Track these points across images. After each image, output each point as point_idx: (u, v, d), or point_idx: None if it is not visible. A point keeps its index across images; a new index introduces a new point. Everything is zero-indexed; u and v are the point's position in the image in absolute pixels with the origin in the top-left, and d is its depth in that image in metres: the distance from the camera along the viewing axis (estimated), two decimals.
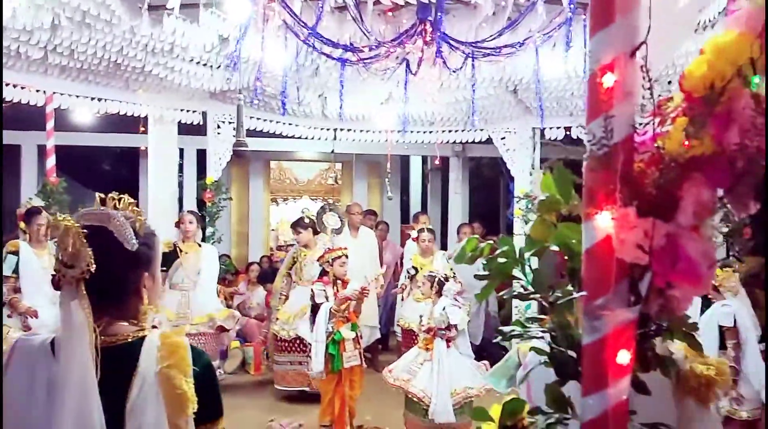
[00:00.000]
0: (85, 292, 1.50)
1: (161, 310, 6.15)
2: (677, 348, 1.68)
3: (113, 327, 1.61)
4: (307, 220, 6.78)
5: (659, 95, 1.15)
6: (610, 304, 1.16)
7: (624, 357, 1.16)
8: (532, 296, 1.21)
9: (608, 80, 1.16)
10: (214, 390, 1.67)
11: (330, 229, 6.56)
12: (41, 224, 5.30)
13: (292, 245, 8.46)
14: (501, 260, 1.22)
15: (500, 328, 1.23)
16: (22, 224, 5.36)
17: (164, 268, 6.28)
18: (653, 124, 1.19)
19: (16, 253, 5.15)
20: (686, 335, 1.23)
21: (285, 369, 6.48)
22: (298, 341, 6.40)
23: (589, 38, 1.18)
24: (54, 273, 1.52)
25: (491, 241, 1.27)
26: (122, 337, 1.60)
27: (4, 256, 5.15)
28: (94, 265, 1.49)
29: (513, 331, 1.24)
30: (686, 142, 1.12)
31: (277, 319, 6.57)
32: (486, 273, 1.23)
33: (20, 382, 1.52)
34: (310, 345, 6.12)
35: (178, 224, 6.36)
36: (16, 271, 5.11)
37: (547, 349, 1.23)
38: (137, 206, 1.74)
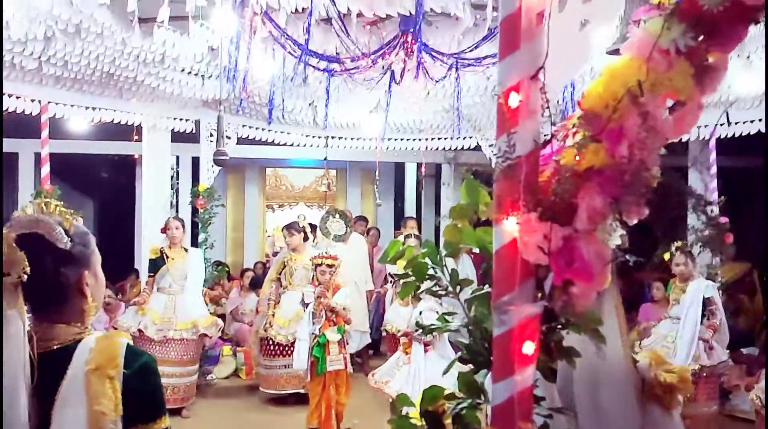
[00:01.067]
0: (22, 300, 1.49)
1: (147, 312, 6.26)
2: (642, 356, 1.80)
3: (53, 331, 1.58)
4: (299, 225, 6.90)
5: (559, 112, 1.29)
6: (516, 299, 1.30)
7: (528, 347, 1.30)
8: (448, 293, 1.35)
9: (513, 101, 1.30)
10: (150, 391, 1.63)
11: (332, 235, 6.61)
12: None
13: None
14: (421, 261, 1.35)
15: (420, 322, 1.36)
16: None
17: (152, 274, 6.41)
18: (557, 140, 1.33)
19: None
20: (591, 330, 1.37)
21: (278, 373, 6.52)
22: (294, 345, 6.47)
23: (498, 62, 1.32)
24: None
25: (414, 244, 1.40)
26: (60, 341, 1.58)
27: None
28: (29, 269, 1.47)
29: (432, 325, 1.38)
30: (577, 156, 1.26)
31: (271, 324, 6.62)
32: (406, 272, 1.37)
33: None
34: None
35: (164, 230, 6.46)
36: None
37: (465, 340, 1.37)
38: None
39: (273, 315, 6.65)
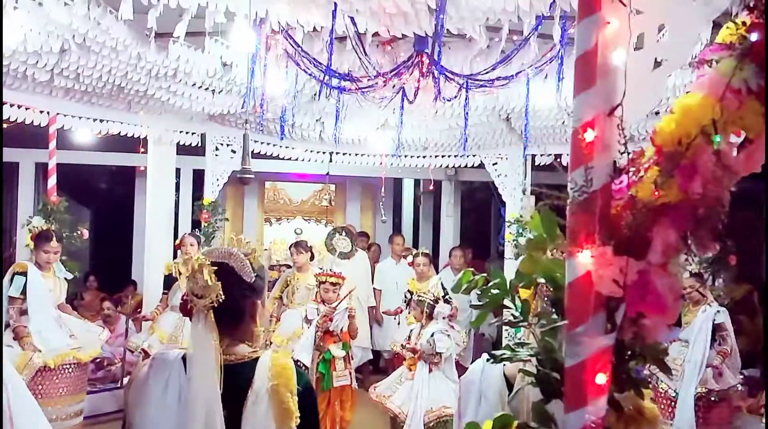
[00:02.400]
0: (213, 319, 1.77)
1: (156, 330, 6.22)
2: None
3: (234, 348, 1.87)
4: (307, 244, 6.89)
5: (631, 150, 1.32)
6: (589, 331, 1.32)
7: (601, 378, 1.32)
8: (521, 324, 1.37)
9: (589, 135, 1.33)
10: (314, 407, 1.95)
11: (338, 252, 6.64)
12: (48, 251, 5.28)
13: (285, 265, 8.57)
14: (494, 291, 1.37)
15: (492, 351, 1.38)
16: (32, 244, 5.34)
17: (165, 291, 6.36)
18: (628, 174, 1.35)
19: (24, 274, 5.10)
20: (656, 360, 1.39)
21: None
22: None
23: (573, 98, 1.35)
24: (185, 301, 1.81)
25: (485, 274, 1.43)
26: (240, 357, 1.86)
27: (11, 276, 5.11)
28: (223, 297, 1.76)
29: (503, 354, 1.40)
30: (655, 191, 1.29)
31: (271, 342, 6.59)
32: (480, 303, 1.39)
33: (157, 389, 1.79)
34: (305, 366, 6.24)
35: (179, 246, 6.42)
36: (23, 292, 5.05)
37: (534, 370, 1.39)
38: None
39: (273, 331, 6.62)
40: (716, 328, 5.62)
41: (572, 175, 1.34)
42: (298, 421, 1.80)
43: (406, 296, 7.01)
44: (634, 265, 1.30)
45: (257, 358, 1.87)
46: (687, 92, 1.37)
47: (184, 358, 1.84)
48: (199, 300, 1.77)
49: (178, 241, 6.44)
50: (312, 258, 6.77)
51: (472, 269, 1.43)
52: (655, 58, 1.36)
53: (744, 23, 1.35)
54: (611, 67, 1.34)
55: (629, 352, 1.39)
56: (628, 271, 1.29)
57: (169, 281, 6.33)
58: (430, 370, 5.09)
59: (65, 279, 5.58)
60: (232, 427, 1.76)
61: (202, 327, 1.78)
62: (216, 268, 1.79)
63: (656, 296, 1.30)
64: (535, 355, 1.37)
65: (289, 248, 6.93)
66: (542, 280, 1.40)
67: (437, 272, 10.26)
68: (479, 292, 1.40)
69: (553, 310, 1.37)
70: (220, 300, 1.77)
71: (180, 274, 6.30)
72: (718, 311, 5.75)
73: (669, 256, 1.31)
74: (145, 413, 1.79)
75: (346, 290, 5.61)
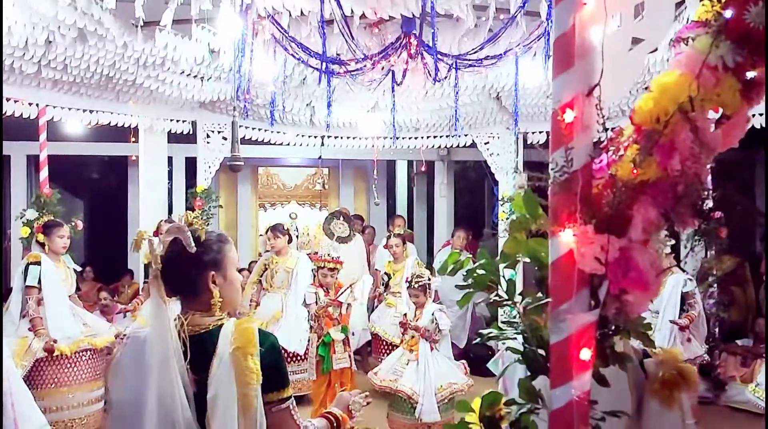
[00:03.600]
0: (162, 287, 1.91)
1: (138, 318, 6.24)
2: (657, 353, 1.84)
3: (198, 319, 1.99)
4: (284, 227, 6.89)
5: (612, 128, 1.34)
6: (573, 308, 1.35)
7: (586, 354, 1.35)
8: (506, 303, 1.40)
9: (568, 116, 1.35)
10: (278, 365, 2.00)
11: (336, 236, 6.67)
12: (63, 235, 5.36)
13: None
14: (480, 272, 1.40)
15: (480, 330, 1.41)
16: (40, 236, 5.37)
17: (146, 280, 6.37)
18: (608, 152, 1.38)
19: (38, 263, 5.16)
20: (640, 334, 1.42)
21: None
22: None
23: (552, 80, 1.37)
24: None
25: (470, 256, 1.45)
26: (204, 327, 1.98)
27: (24, 267, 5.17)
28: (161, 265, 1.91)
29: (490, 333, 1.43)
30: (634, 169, 1.31)
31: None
32: (466, 283, 1.41)
33: (128, 368, 1.93)
34: (284, 350, 6.28)
35: (156, 234, 6.42)
36: (39, 282, 5.10)
37: (521, 348, 1.42)
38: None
39: (252, 315, 6.61)
40: (684, 297, 5.73)
41: (553, 155, 1.36)
42: (260, 379, 1.87)
43: (383, 279, 7.04)
44: (615, 243, 1.32)
45: (221, 326, 1.98)
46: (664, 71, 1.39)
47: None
48: (151, 271, 1.91)
49: (155, 229, 6.42)
50: (290, 241, 6.77)
51: (457, 250, 1.45)
52: (633, 38, 1.38)
53: (719, 0, 1.37)
54: (589, 48, 1.36)
55: (613, 327, 1.42)
56: (609, 248, 1.31)
57: (149, 270, 6.35)
58: (432, 349, 5.16)
59: (74, 270, 5.64)
60: (202, 391, 1.88)
61: (155, 295, 1.90)
62: (168, 242, 1.97)
63: (638, 272, 1.32)
64: (522, 333, 1.39)
65: (266, 232, 6.89)
66: (526, 260, 1.43)
67: (432, 253, 10.32)
68: (465, 273, 1.42)
69: (538, 288, 1.40)
70: (159, 267, 1.91)
71: None
72: (688, 280, 5.84)
73: (649, 233, 1.34)
74: (121, 392, 1.94)
75: (346, 277, 5.67)
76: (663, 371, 1.61)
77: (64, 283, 5.36)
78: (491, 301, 1.41)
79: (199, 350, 1.93)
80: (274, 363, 1.97)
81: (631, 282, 1.33)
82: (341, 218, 6.54)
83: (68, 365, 5.17)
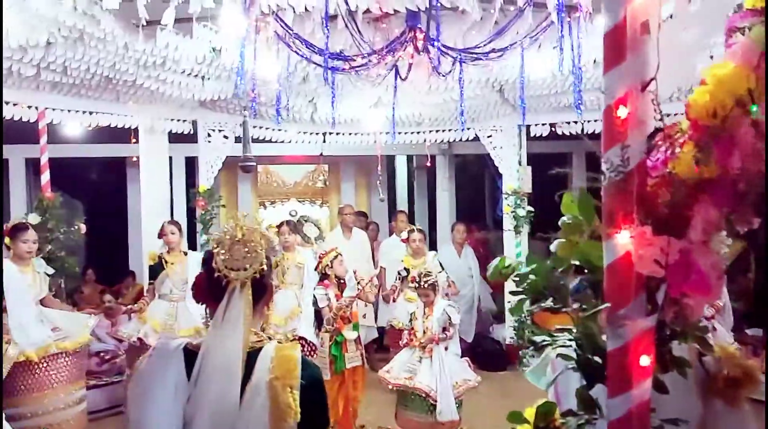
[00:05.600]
0: (251, 295, 1.70)
1: (148, 320, 6.18)
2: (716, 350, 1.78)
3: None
4: (293, 224, 6.87)
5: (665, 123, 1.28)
6: (631, 313, 1.29)
7: (645, 360, 1.30)
8: (561, 309, 1.34)
9: (622, 112, 1.29)
10: (320, 402, 1.80)
11: (312, 238, 6.64)
12: (27, 240, 5.16)
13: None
14: (531, 277, 1.34)
15: (532, 338, 1.35)
16: (6, 240, 5.19)
17: (152, 281, 6.30)
18: (665, 149, 1.31)
19: None
20: (698, 337, 1.36)
21: None
22: (294, 342, 6.45)
23: (603, 75, 1.31)
24: (204, 282, 1.74)
25: (521, 261, 1.39)
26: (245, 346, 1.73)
27: None
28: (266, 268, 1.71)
29: (544, 340, 1.37)
30: (696, 168, 1.25)
31: (267, 324, 6.55)
32: (519, 289, 1.36)
33: (155, 383, 1.69)
34: (307, 343, 6.24)
35: (161, 235, 6.35)
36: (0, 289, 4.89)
37: (574, 355, 1.36)
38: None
39: (269, 312, 6.59)
40: None
41: (607, 154, 1.30)
42: (298, 417, 1.66)
43: (400, 273, 6.99)
44: (675, 245, 1.27)
45: (261, 348, 1.77)
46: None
47: (185, 349, 1.75)
48: (240, 272, 1.68)
49: (159, 231, 6.34)
50: (318, 237, 6.76)
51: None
52: (688, 28, 1.32)
53: None
54: (641, 41, 1.30)
55: (670, 332, 1.37)
56: (669, 250, 1.25)
57: (154, 271, 6.28)
58: (446, 348, 5.17)
59: (46, 273, 5.50)
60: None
61: (237, 305, 1.67)
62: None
63: (700, 275, 1.27)
64: (575, 340, 1.33)
65: (278, 227, 6.83)
66: (577, 263, 1.37)
67: (434, 248, 10.27)
68: (516, 279, 1.37)
69: (592, 293, 1.34)
70: (265, 269, 1.69)
71: (166, 262, 6.23)
72: None
73: (710, 234, 1.28)
74: (145, 407, 1.70)
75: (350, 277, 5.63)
76: (726, 369, 1.55)
77: (31, 288, 5.23)
78: (545, 307, 1.35)
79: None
80: (317, 400, 1.77)
81: (692, 285, 1.27)
82: (305, 222, 6.59)
83: (38, 371, 5.08)
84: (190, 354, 1.74)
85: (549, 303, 1.35)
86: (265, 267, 1.70)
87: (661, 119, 1.29)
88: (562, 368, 1.39)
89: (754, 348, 6.80)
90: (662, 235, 1.26)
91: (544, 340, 1.35)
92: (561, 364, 1.38)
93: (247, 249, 1.69)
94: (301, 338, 6.37)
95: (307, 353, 6.33)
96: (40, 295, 5.36)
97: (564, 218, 1.35)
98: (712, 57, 1.23)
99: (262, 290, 1.78)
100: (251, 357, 1.73)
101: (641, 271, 1.28)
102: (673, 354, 1.34)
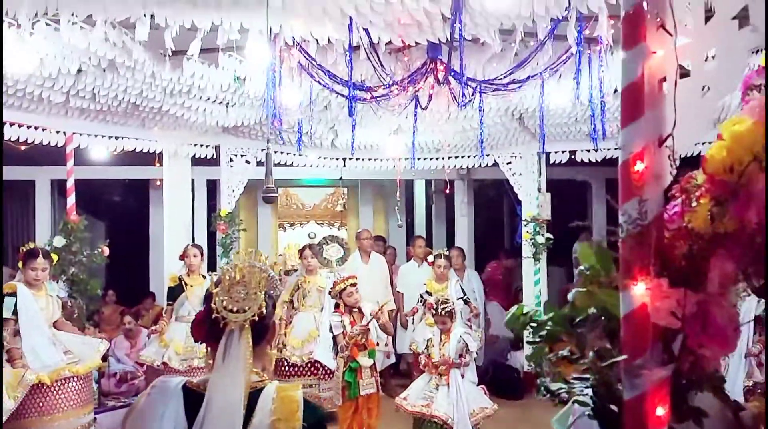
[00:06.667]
0: (250, 338, 1.67)
1: (170, 343, 6.24)
2: (752, 405, 1.78)
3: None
4: (317, 247, 6.91)
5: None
6: (648, 363, 1.31)
7: (661, 411, 1.31)
8: (579, 360, 1.37)
9: (639, 167, 1.32)
10: None
11: (334, 260, 6.66)
12: (35, 268, 5.21)
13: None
14: (549, 325, 1.37)
15: (547, 386, 1.38)
16: (20, 264, 5.29)
17: (170, 302, 6.37)
18: (680, 202, 1.35)
19: (13, 294, 5.07)
20: (715, 388, 1.38)
21: None
22: (310, 365, 6.47)
23: (620, 130, 1.34)
24: (203, 321, 1.73)
25: (538, 309, 1.42)
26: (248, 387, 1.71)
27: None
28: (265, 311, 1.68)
29: (560, 389, 1.39)
30: (711, 222, 1.28)
31: (285, 345, 6.59)
32: (537, 339, 1.39)
33: (154, 415, 1.69)
34: (322, 367, 6.26)
35: (182, 257, 6.44)
36: (15, 313, 5.02)
37: (590, 402, 1.38)
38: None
39: (285, 335, 6.61)
40: (756, 320, 5.58)
41: (624, 207, 1.33)
42: None
43: (422, 296, 7.00)
44: (692, 297, 1.29)
45: (263, 389, 1.74)
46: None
47: (185, 388, 1.75)
48: (239, 315, 1.65)
49: (181, 253, 6.42)
50: (345, 258, 6.80)
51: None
52: (703, 86, 1.35)
53: None
54: (659, 97, 1.33)
55: (686, 381, 1.38)
56: (686, 303, 1.28)
57: (172, 292, 6.35)
58: (463, 376, 5.17)
59: (58, 297, 5.58)
60: None
61: (236, 348, 1.64)
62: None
63: (717, 328, 1.29)
64: (592, 388, 1.36)
65: (301, 251, 6.88)
66: (594, 311, 1.39)
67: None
68: (533, 326, 1.40)
69: (609, 342, 1.37)
70: (264, 312, 1.67)
71: (186, 285, 6.30)
72: (759, 303, 5.70)
73: (726, 287, 1.30)
74: None
75: (369, 298, 5.64)
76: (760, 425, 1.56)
77: (44, 311, 5.29)
78: (563, 357, 1.38)
79: None
80: None
81: (709, 337, 1.29)
82: (329, 242, 6.58)
83: (50, 394, 5.13)
84: (189, 393, 1.74)
85: (566, 352, 1.37)
86: (264, 309, 1.69)
87: (677, 174, 1.33)
88: (580, 413, 1.41)
89: None
90: (679, 287, 1.29)
91: (560, 389, 1.38)
92: (579, 410, 1.40)
93: (246, 291, 1.67)
94: (316, 361, 6.40)
95: (321, 377, 6.36)
96: (52, 318, 5.44)
97: (581, 267, 1.38)
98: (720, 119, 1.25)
99: (263, 331, 1.77)
100: (253, 397, 1.70)
101: (658, 322, 1.30)
102: (689, 404, 1.36)
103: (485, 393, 5.35)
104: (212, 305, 1.71)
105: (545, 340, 1.38)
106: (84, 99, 5.59)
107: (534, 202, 8.05)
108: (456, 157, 8.47)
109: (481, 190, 11.98)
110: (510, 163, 8.18)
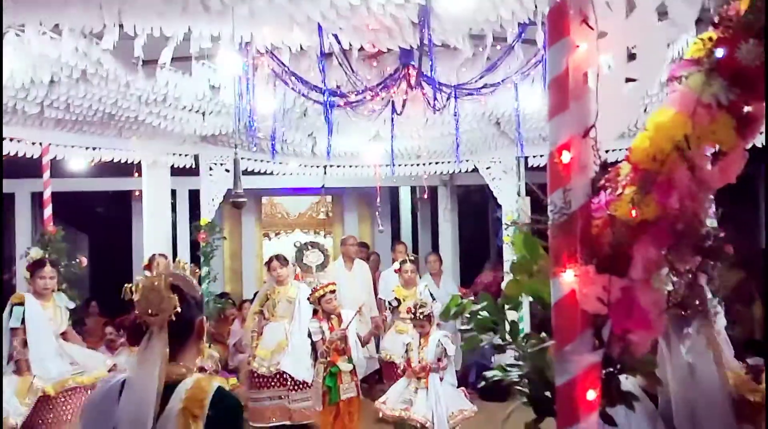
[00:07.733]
0: (166, 336, 1.80)
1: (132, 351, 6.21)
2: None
3: (169, 369, 1.85)
4: (285, 258, 6.86)
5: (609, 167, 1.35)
6: (577, 349, 1.35)
7: (592, 394, 1.35)
8: (508, 346, 1.40)
9: (565, 157, 1.36)
10: None
11: (314, 266, 6.65)
12: (44, 277, 5.29)
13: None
14: (482, 314, 1.40)
15: (484, 373, 1.40)
16: (27, 274, 5.37)
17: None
18: (606, 192, 1.38)
19: (21, 304, 5.13)
20: (646, 373, 1.41)
21: (264, 405, 6.40)
22: (278, 376, 6.38)
23: (548, 122, 1.38)
24: (133, 327, 1.87)
25: (472, 299, 1.45)
26: (169, 379, 1.83)
27: (9, 308, 5.15)
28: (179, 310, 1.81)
29: (495, 375, 1.42)
30: (633, 209, 1.31)
31: (254, 356, 6.59)
32: (467, 327, 1.41)
33: (97, 408, 1.86)
34: (291, 379, 6.24)
35: (147, 267, 6.41)
36: (23, 322, 5.07)
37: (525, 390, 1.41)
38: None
39: (256, 346, 6.59)
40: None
41: (551, 197, 1.37)
42: None
43: (391, 304, 6.98)
44: (617, 283, 1.32)
45: (183, 380, 1.86)
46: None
47: (123, 383, 1.86)
48: (155, 317, 1.82)
49: (146, 263, 6.41)
50: (325, 264, 6.79)
51: (459, 294, 1.46)
52: (626, 78, 1.39)
53: (710, 39, 1.38)
54: (583, 90, 1.37)
55: (618, 367, 1.42)
56: (611, 288, 1.31)
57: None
58: (442, 378, 5.19)
59: (66, 308, 5.60)
60: None
61: (154, 345, 1.80)
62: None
63: (641, 312, 1.32)
64: (526, 375, 1.39)
65: (268, 263, 6.85)
66: (530, 300, 1.43)
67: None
68: (468, 316, 1.43)
69: (542, 329, 1.40)
70: (178, 312, 1.82)
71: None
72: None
73: (651, 272, 1.34)
74: None
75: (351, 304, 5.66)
76: (753, 397, 1.59)
77: (52, 322, 5.31)
78: (494, 345, 1.40)
79: (159, 405, 1.81)
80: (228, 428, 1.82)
81: (634, 322, 1.32)
82: (309, 247, 6.57)
83: (57, 406, 5.15)
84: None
85: (498, 339, 1.40)
86: (179, 309, 1.82)
87: (601, 164, 1.36)
88: (518, 403, 1.44)
89: (755, 376, 6.79)
90: (605, 273, 1.32)
91: (494, 376, 1.41)
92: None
93: (160, 296, 1.83)
94: (284, 372, 6.32)
95: (291, 388, 6.30)
96: (61, 328, 5.46)
97: (513, 258, 1.41)
98: (645, 110, 1.29)
99: (185, 329, 1.91)
100: (172, 389, 1.81)
101: (585, 308, 1.34)
102: (620, 388, 1.39)
103: (466, 395, 5.37)
104: (135, 312, 1.89)
105: (476, 328, 1.41)
106: (59, 110, 5.59)
107: (514, 206, 8.10)
108: (436, 163, 8.51)
109: (465, 196, 12.03)
110: (489, 167, 8.23)
